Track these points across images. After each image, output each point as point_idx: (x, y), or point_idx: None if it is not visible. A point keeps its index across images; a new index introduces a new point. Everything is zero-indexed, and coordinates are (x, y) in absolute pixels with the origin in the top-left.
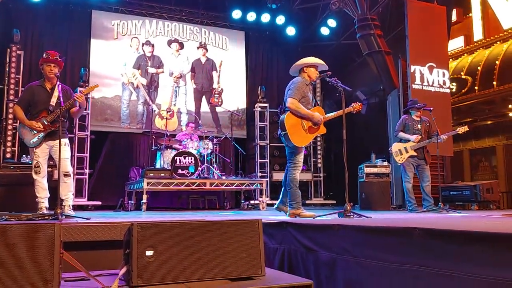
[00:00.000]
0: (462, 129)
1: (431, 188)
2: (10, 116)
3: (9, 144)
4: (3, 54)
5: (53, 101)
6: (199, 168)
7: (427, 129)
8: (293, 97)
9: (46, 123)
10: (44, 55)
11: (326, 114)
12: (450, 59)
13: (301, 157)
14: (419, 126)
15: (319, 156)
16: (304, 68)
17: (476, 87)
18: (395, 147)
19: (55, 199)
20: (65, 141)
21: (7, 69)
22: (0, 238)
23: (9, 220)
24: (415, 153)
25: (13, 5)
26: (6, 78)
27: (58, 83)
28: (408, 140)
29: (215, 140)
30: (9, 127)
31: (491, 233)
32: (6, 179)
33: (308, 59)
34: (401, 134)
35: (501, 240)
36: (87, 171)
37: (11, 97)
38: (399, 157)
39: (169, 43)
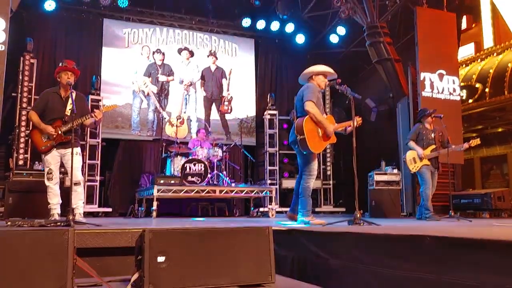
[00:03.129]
0: (474, 142)
1: (441, 196)
2: (23, 123)
3: (21, 151)
4: (16, 62)
5: (68, 111)
6: (209, 175)
7: (440, 138)
8: (311, 100)
9: (59, 133)
10: (61, 64)
11: (336, 123)
12: (460, 66)
13: (316, 165)
14: (432, 135)
15: (328, 164)
16: (313, 76)
17: (486, 94)
18: (409, 155)
19: (66, 206)
20: (77, 150)
21: (20, 77)
22: (15, 244)
23: (22, 226)
24: (428, 162)
25: (26, 14)
26: (19, 86)
27: (72, 91)
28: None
29: (224, 147)
30: (22, 134)
31: (503, 241)
32: (19, 185)
33: (316, 67)
34: (411, 144)
35: None
36: (98, 178)
37: (24, 105)
38: (413, 165)
39: (180, 51)
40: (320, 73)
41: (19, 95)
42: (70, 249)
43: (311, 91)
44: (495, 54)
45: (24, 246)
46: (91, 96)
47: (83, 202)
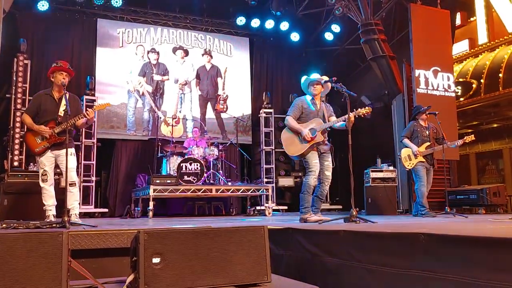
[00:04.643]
0: (469, 138)
1: (437, 192)
2: (18, 124)
3: (16, 152)
4: (10, 63)
5: (61, 112)
6: (205, 175)
7: (434, 135)
8: (289, 115)
9: (53, 134)
10: (55, 64)
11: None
12: (455, 63)
13: (313, 162)
14: (427, 132)
15: None
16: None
17: (481, 90)
18: (404, 152)
19: (62, 207)
20: (72, 150)
21: (14, 78)
22: (9, 247)
23: (17, 228)
24: (423, 159)
25: (19, 15)
26: (13, 87)
27: (66, 92)
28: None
29: (220, 146)
30: (17, 135)
31: (497, 238)
32: (14, 187)
33: (302, 79)
34: (406, 141)
35: (507, 245)
36: (93, 178)
37: (18, 106)
38: (408, 162)
39: (174, 50)
40: (308, 84)
41: (13, 96)
42: (65, 251)
43: (293, 106)
44: (489, 50)
45: (19, 249)
46: (85, 97)
47: (79, 203)
